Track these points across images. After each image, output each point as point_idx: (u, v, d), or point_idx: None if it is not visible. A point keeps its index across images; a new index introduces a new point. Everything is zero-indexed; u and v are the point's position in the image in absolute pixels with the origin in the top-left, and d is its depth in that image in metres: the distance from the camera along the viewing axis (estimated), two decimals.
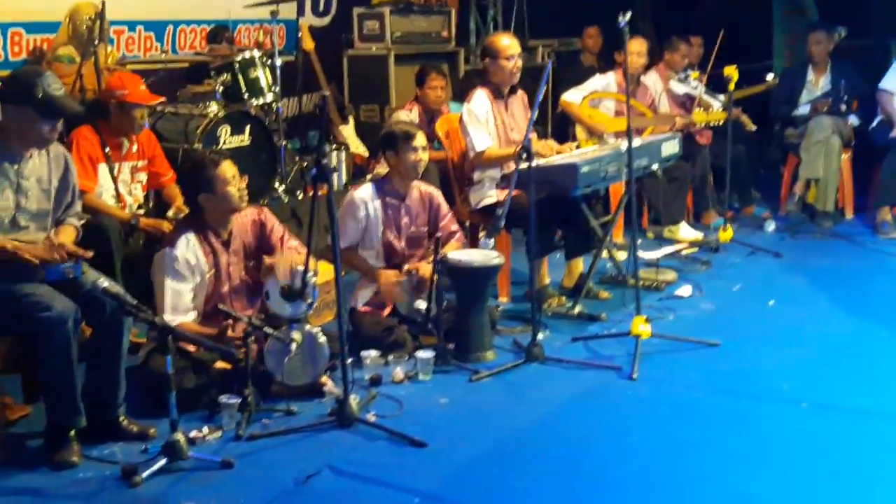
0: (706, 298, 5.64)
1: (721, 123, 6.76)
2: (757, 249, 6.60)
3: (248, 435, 3.87)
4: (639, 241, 6.47)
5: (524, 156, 4.59)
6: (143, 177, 5.22)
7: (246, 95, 6.33)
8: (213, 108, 6.10)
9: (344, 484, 3.52)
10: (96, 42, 5.64)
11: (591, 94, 6.85)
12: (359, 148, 7.31)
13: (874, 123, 7.33)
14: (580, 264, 5.80)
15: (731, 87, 6.50)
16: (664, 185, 6.59)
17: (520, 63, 5.57)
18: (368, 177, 6.62)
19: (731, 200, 7.12)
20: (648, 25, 10.05)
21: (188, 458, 3.58)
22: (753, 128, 7.53)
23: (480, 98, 5.56)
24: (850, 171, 7.44)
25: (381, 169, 6.53)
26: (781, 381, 4.36)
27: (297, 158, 7.00)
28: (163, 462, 3.54)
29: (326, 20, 8.65)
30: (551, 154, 5.45)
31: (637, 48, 6.87)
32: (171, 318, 4.10)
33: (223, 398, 3.98)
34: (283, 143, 6.56)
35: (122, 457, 3.71)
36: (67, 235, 3.98)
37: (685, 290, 5.70)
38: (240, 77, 6.33)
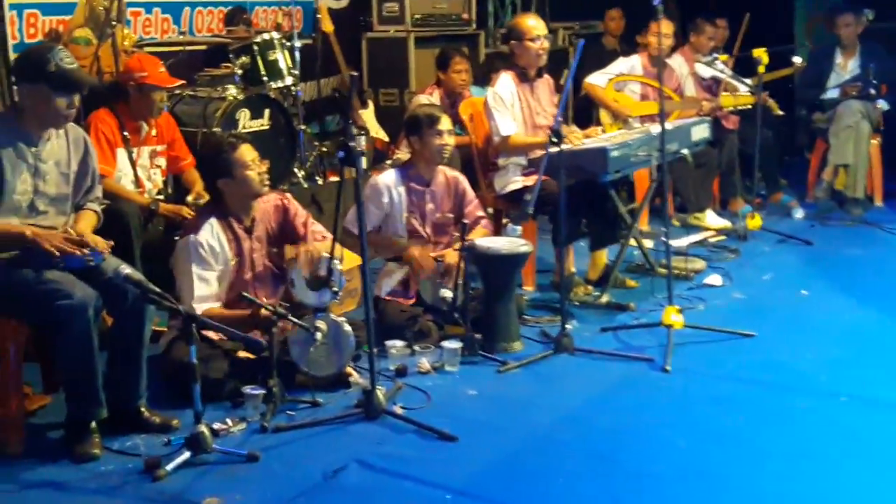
0: (736, 288, 5.51)
1: (750, 108, 6.61)
2: (786, 237, 6.47)
3: (273, 427, 3.76)
4: (665, 229, 6.41)
5: (554, 139, 4.46)
6: (162, 161, 5.12)
7: (265, 78, 6.21)
8: (232, 91, 5.97)
9: (372, 478, 3.41)
10: (114, 24, 5.53)
11: (617, 78, 6.71)
12: (379, 133, 7.19)
13: None
14: (604, 255, 5.66)
15: (762, 69, 6.35)
16: (692, 171, 6.45)
17: (546, 45, 5.44)
18: (388, 162, 6.51)
19: (758, 187, 6.98)
20: (673, 7, 9.86)
21: (212, 450, 3.47)
22: (781, 113, 7.36)
23: (506, 81, 5.43)
24: (880, 157, 7.28)
25: (402, 155, 6.44)
26: (819, 373, 4.24)
27: (316, 143, 6.89)
28: (187, 455, 3.43)
29: (344, 2, 8.50)
30: (579, 141, 5.31)
31: (664, 30, 6.68)
32: (196, 305, 3.99)
33: (247, 389, 3.89)
34: (303, 127, 6.45)
35: (144, 449, 3.61)
36: (88, 222, 3.87)
37: (715, 280, 5.57)
38: (259, 59, 6.20)
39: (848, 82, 7.29)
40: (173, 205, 4.92)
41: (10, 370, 3.64)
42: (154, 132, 5.06)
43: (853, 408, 3.89)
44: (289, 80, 6.35)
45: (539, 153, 5.29)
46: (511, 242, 4.68)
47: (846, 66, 7.46)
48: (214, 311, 4.09)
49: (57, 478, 3.44)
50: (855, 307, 5.14)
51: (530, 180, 5.31)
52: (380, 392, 3.86)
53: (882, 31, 7.80)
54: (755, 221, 6.45)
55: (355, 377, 4.20)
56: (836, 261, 6.06)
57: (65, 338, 3.52)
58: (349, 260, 4.81)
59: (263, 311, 3.97)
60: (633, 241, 5.56)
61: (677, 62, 7.13)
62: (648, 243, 5.96)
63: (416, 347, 4.52)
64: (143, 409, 3.77)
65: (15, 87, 3.75)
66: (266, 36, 6.31)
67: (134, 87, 4.92)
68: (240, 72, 6.16)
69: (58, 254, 3.55)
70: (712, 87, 7.19)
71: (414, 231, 4.87)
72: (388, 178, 4.89)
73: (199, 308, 3.99)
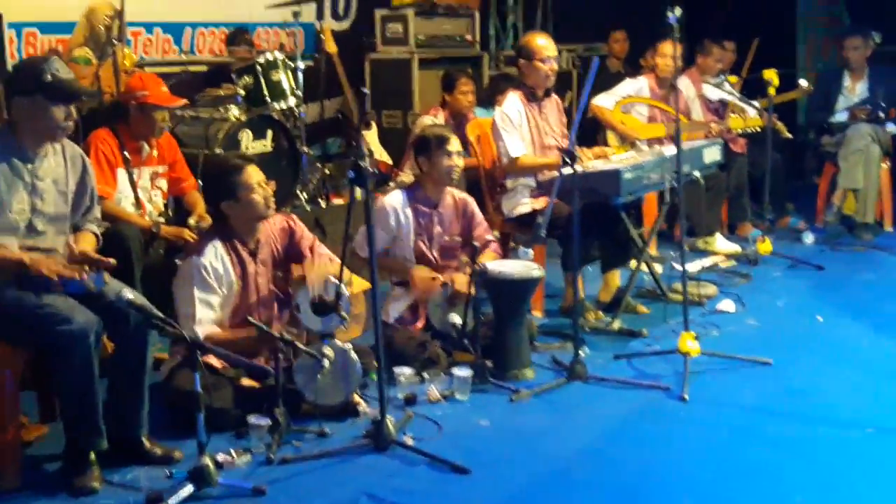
0: (750, 314, 5.38)
1: (758, 130, 6.52)
2: (798, 262, 6.35)
3: (279, 458, 3.61)
4: (674, 254, 6.30)
5: (567, 161, 4.34)
6: (163, 183, 5.00)
7: (268, 99, 6.10)
8: (235, 111, 5.86)
9: None
10: (114, 43, 5.43)
11: (624, 100, 6.61)
12: (382, 155, 7.08)
13: None
14: (617, 277, 5.54)
15: (773, 91, 6.26)
16: (701, 195, 6.34)
17: (555, 66, 5.35)
18: (392, 185, 6.40)
19: (766, 211, 6.89)
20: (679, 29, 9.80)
21: (217, 484, 3.32)
22: (789, 135, 7.27)
23: (513, 101, 5.34)
24: (890, 182, 7.19)
25: (405, 177, 6.33)
26: (841, 402, 4.11)
27: (318, 165, 6.78)
28: (190, 489, 3.28)
29: (346, 24, 8.42)
30: (589, 161, 5.21)
31: (671, 51, 6.61)
32: (198, 328, 3.86)
33: (252, 418, 3.74)
34: (306, 149, 6.33)
35: (145, 482, 3.45)
36: (87, 243, 3.75)
37: (728, 305, 5.44)
38: (262, 80, 6.11)
39: (856, 105, 7.20)
40: (175, 227, 4.79)
41: (6, 398, 3.49)
42: (155, 153, 4.94)
43: (880, 439, 3.75)
44: (292, 101, 6.25)
45: (548, 175, 5.19)
46: (523, 266, 4.56)
47: (854, 89, 7.38)
48: (217, 334, 3.96)
49: None
50: (872, 333, 5.02)
51: (540, 203, 5.21)
52: (389, 422, 3.72)
53: (889, 54, 7.74)
54: (766, 246, 6.34)
55: (363, 406, 4.06)
56: (849, 286, 5.95)
57: (64, 365, 3.37)
58: (355, 284, 4.68)
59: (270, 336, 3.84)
60: (644, 266, 5.44)
61: (684, 84, 7.04)
62: (657, 268, 5.84)
63: (426, 375, 4.39)
64: (144, 440, 3.62)
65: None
66: (269, 56, 6.22)
67: (135, 107, 4.81)
68: (242, 92, 6.06)
69: (57, 278, 3.42)
70: (719, 109, 7.10)
71: (421, 254, 4.75)
72: (394, 199, 4.78)
73: (201, 331, 3.84)
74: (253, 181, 4.11)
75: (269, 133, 5.97)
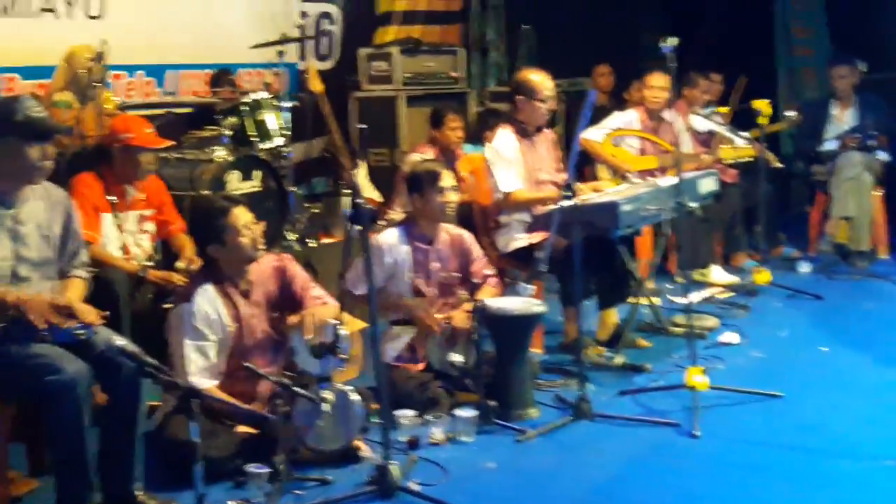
0: (753, 346, 5.29)
1: (751, 160, 6.46)
2: (796, 292, 6.27)
3: None
4: (670, 286, 6.21)
5: (567, 194, 4.25)
6: (150, 226, 4.87)
7: (255, 139, 6.00)
8: (221, 152, 5.74)
9: None
10: (94, 85, 5.32)
11: (614, 133, 6.54)
12: (371, 193, 6.97)
13: None
14: (614, 314, 5.43)
15: (765, 121, 6.22)
16: (695, 226, 6.27)
17: (553, 105, 5.29)
18: (382, 223, 6.28)
19: (759, 241, 6.82)
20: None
21: None
22: (780, 165, 7.22)
23: (507, 137, 5.25)
24: (883, 210, 7.14)
25: (395, 215, 6.22)
26: (855, 434, 4.01)
27: (306, 205, 6.66)
28: None
29: (329, 64, 8.35)
30: (585, 195, 5.12)
31: (661, 83, 6.57)
32: (195, 381, 3.71)
33: (250, 467, 3.59)
34: (293, 189, 6.22)
35: None
36: (75, 291, 3.61)
37: (732, 338, 5.35)
38: (248, 120, 6.00)
39: (846, 133, 7.17)
40: (163, 271, 4.66)
41: None
42: (142, 196, 4.82)
43: None
44: (278, 141, 6.14)
45: (543, 209, 5.10)
46: (524, 302, 4.44)
47: (842, 118, 7.35)
48: (212, 391, 3.81)
49: None
50: (878, 363, 4.93)
51: (535, 237, 5.11)
52: (394, 467, 3.58)
53: (875, 81, 7.72)
54: (764, 276, 6.25)
55: (365, 450, 3.91)
56: (850, 315, 5.87)
57: (54, 416, 3.23)
58: (349, 324, 4.56)
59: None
60: (643, 300, 5.34)
61: (671, 116, 6.98)
62: (656, 301, 5.75)
63: (428, 417, 4.25)
64: (138, 493, 3.46)
65: None
66: (255, 96, 6.12)
67: (119, 149, 4.70)
68: (229, 133, 5.94)
69: (44, 325, 3.28)
70: (708, 140, 7.04)
71: (419, 292, 4.63)
72: (389, 237, 4.67)
73: (198, 384, 3.69)
74: (239, 224, 3.99)
75: (256, 174, 5.85)
